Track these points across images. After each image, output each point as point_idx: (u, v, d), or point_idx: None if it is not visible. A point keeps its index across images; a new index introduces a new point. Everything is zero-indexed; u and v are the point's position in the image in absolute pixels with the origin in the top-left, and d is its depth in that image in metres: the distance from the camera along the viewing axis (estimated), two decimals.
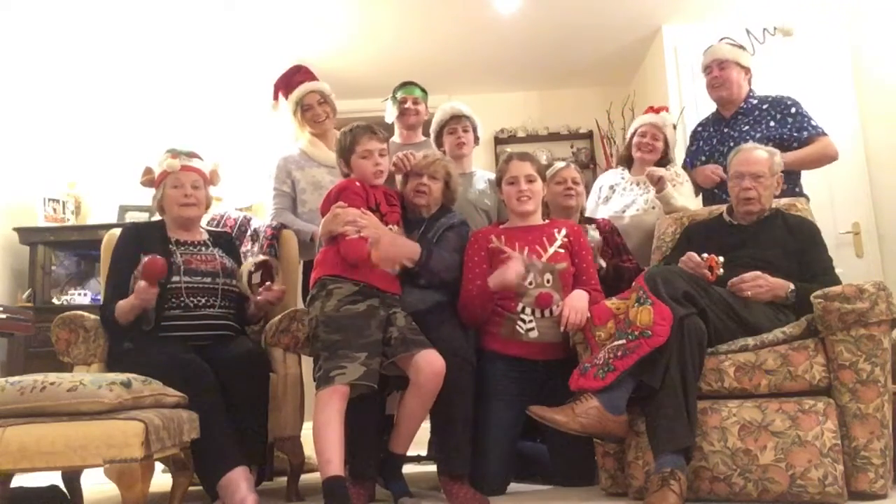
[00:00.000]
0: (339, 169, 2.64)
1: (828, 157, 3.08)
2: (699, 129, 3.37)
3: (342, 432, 2.14)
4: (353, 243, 2.29)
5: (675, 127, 3.40)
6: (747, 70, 3.21)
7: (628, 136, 3.46)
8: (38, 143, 4.20)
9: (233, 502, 2.06)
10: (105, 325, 2.45)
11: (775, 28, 3.04)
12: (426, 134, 3.44)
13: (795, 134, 3.05)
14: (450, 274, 2.54)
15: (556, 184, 3.03)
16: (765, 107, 3.14)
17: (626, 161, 3.41)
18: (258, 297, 2.57)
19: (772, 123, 3.09)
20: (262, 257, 2.70)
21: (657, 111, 3.36)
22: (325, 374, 2.16)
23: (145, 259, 2.31)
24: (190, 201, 2.57)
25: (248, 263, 2.64)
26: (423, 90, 3.43)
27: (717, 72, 3.19)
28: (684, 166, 3.36)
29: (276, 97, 3.34)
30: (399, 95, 3.39)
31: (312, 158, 3.20)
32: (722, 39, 3.27)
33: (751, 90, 3.21)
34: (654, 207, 3.16)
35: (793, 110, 3.10)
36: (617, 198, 3.32)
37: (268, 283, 2.61)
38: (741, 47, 3.26)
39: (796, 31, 3.03)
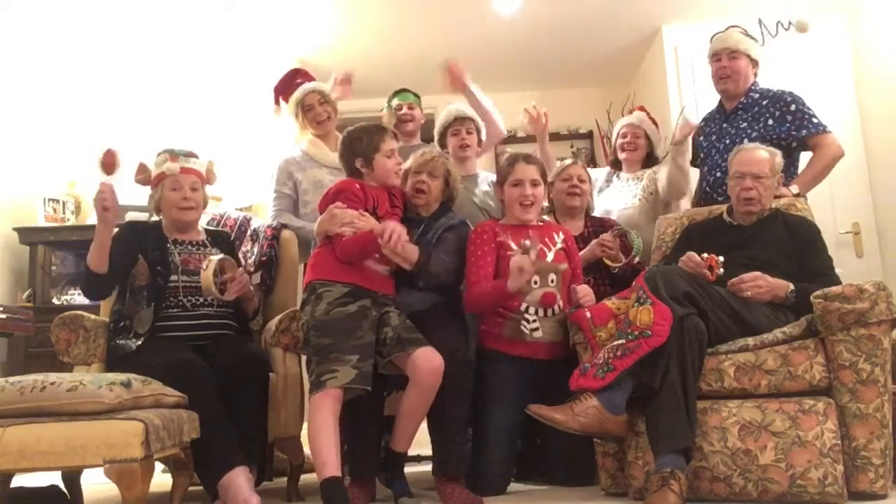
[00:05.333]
0: (344, 169, 2.59)
1: (836, 159, 2.95)
2: (702, 124, 3.31)
3: (337, 434, 2.14)
4: (353, 241, 2.30)
5: (657, 125, 3.41)
6: (756, 62, 3.10)
7: (612, 141, 3.50)
8: (38, 143, 4.21)
9: (235, 503, 2.06)
10: (85, 285, 2.45)
11: (790, 22, 2.93)
12: (423, 138, 3.46)
13: (794, 133, 2.95)
14: (449, 276, 2.53)
15: (561, 181, 3.00)
16: (765, 102, 3.04)
17: (616, 166, 3.45)
18: (228, 297, 2.48)
19: (770, 122, 2.99)
20: (214, 258, 2.47)
21: (630, 112, 3.47)
22: (317, 378, 2.16)
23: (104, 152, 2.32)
24: (189, 205, 2.56)
25: (209, 272, 2.43)
26: (416, 95, 3.47)
27: (726, 61, 3.07)
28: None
29: (276, 102, 3.34)
30: (395, 103, 3.42)
31: (314, 159, 3.19)
32: (731, 27, 3.14)
33: (755, 83, 3.11)
34: (639, 200, 3.20)
35: (792, 107, 2.98)
36: (608, 194, 3.36)
37: (227, 277, 2.50)
38: (753, 38, 3.15)
39: (811, 26, 2.92)
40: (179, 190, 2.55)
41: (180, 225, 2.59)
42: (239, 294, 2.52)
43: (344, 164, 2.56)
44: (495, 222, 2.69)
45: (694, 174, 3.42)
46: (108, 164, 2.30)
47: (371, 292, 2.35)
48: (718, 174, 3.04)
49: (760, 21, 3.21)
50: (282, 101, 3.32)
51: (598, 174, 3.48)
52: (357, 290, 2.32)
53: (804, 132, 2.96)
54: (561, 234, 2.64)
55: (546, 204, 3.03)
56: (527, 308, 2.47)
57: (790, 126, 2.97)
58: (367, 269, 2.36)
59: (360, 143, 2.49)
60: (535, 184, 2.61)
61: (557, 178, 3.02)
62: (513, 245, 2.52)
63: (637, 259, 2.86)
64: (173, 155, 2.57)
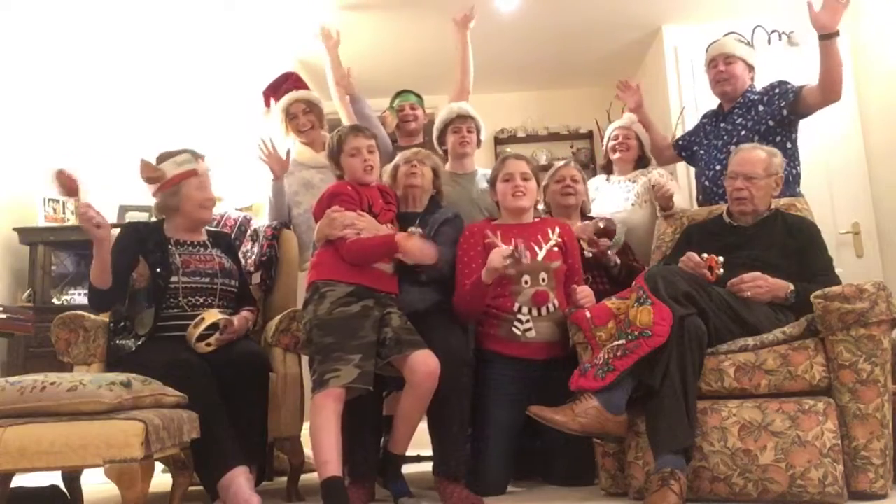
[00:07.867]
0: (331, 170, 2.67)
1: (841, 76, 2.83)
2: (704, 121, 3.34)
3: (339, 434, 2.14)
4: (368, 248, 2.32)
5: (640, 133, 3.42)
6: (752, 68, 3.15)
7: (603, 146, 3.53)
8: (38, 143, 4.20)
9: (236, 503, 2.06)
10: (90, 299, 2.41)
11: (783, 34, 3.01)
12: (426, 139, 3.48)
13: (783, 103, 2.96)
14: (449, 268, 2.55)
15: (555, 182, 3.05)
16: (755, 97, 3.09)
17: (607, 169, 3.49)
18: (208, 347, 2.37)
19: (760, 108, 3.03)
20: (207, 320, 2.38)
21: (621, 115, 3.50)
22: (320, 377, 2.16)
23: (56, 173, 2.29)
24: (212, 204, 2.61)
25: (197, 331, 2.36)
26: (419, 95, 3.50)
27: (722, 66, 3.11)
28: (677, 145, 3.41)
29: (267, 104, 3.39)
30: (397, 104, 3.45)
31: (301, 163, 3.26)
32: (728, 34, 3.19)
33: (752, 86, 3.15)
34: (633, 204, 3.22)
35: (776, 91, 3.03)
36: (602, 198, 3.36)
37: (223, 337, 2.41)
38: (748, 44, 3.19)
39: (802, 44, 2.99)
40: (204, 189, 2.56)
41: (200, 224, 2.61)
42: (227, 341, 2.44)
43: (332, 167, 2.64)
44: (486, 223, 2.69)
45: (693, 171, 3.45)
46: (64, 185, 2.29)
47: (375, 292, 2.35)
48: (718, 167, 3.05)
49: (754, 29, 3.26)
50: (272, 102, 3.37)
51: (591, 184, 3.49)
52: (361, 290, 2.32)
53: (791, 93, 2.96)
54: (557, 228, 2.63)
55: (543, 206, 3.04)
56: (519, 308, 2.47)
57: (778, 99, 3.00)
58: (372, 269, 2.36)
59: (331, 146, 2.57)
60: (525, 177, 2.63)
61: (551, 179, 3.06)
62: (502, 246, 2.52)
63: (612, 251, 2.79)
64: (197, 155, 2.58)
